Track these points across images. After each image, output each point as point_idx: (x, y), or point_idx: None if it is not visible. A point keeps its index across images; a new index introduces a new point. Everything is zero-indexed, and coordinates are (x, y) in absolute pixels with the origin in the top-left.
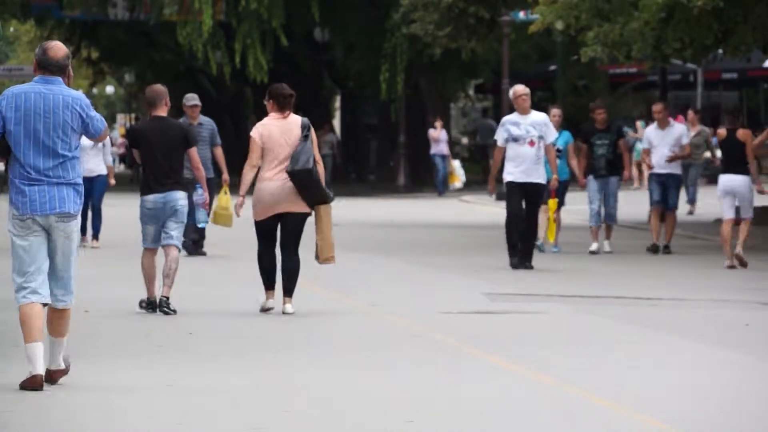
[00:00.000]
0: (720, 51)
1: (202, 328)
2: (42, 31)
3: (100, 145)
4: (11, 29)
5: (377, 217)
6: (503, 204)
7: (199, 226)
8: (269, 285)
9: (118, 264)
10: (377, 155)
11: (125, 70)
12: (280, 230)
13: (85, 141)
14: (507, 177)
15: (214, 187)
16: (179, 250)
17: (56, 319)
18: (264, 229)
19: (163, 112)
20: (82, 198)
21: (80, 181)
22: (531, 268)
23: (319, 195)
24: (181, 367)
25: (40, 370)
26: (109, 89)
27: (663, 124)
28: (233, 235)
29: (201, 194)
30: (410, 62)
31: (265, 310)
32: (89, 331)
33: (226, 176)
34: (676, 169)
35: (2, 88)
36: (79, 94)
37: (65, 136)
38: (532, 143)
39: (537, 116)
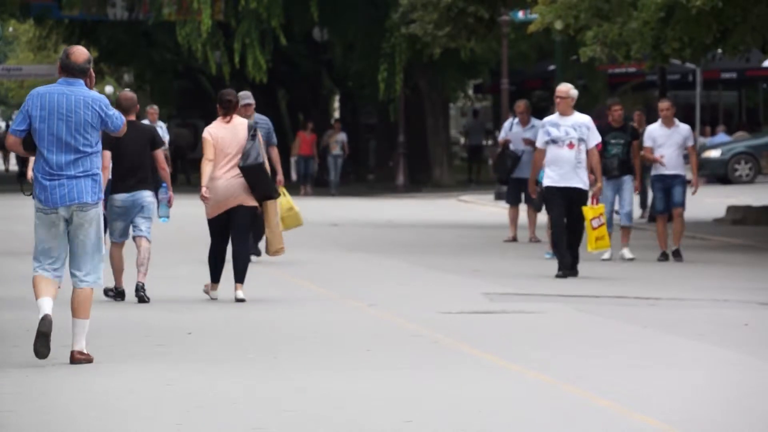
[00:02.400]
0: (719, 51)
1: (202, 328)
2: (41, 31)
3: None
4: (10, 29)
5: (377, 217)
6: (502, 204)
7: (161, 221)
8: (215, 279)
9: None
10: (376, 155)
11: (124, 69)
12: (231, 222)
13: None
14: (546, 181)
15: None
16: (149, 242)
17: (78, 300)
18: (216, 225)
19: (133, 116)
20: (101, 188)
21: (98, 171)
22: (576, 275)
23: (267, 190)
24: (181, 367)
25: (49, 311)
26: (108, 89)
27: (669, 123)
28: None
29: (165, 191)
30: (409, 62)
31: (211, 298)
32: (89, 330)
33: (280, 177)
34: (681, 169)
35: (1, 88)
36: (99, 95)
37: (86, 133)
38: (571, 145)
39: (579, 118)
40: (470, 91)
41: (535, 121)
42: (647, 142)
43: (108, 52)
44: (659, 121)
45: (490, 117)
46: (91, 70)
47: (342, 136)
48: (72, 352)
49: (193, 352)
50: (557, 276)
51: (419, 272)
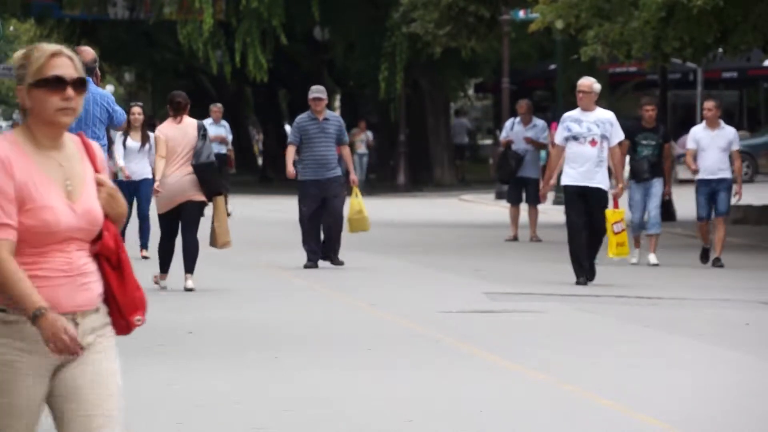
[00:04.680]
0: (720, 50)
1: (202, 328)
2: (42, 31)
3: (146, 147)
4: (11, 28)
5: (377, 216)
6: (503, 203)
7: None
8: (164, 269)
9: None
10: (377, 154)
11: (125, 69)
12: (181, 216)
13: (130, 143)
14: (564, 180)
15: (340, 187)
16: None
17: None
18: (166, 220)
19: None
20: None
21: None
22: (592, 278)
23: (217, 186)
24: (181, 367)
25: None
26: (110, 88)
27: (713, 124)
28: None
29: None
30: (410, 61)
31: (161, 287)
32: None
33: (354, 176)
34: (726, 172)
35: (2, 87)
36: (106, 92)
37: (95, 127)
38: (593, 143)
39: (601, 114)
40: (471, 91)
41: (536, 121)
42: (690, 145)
43: (109, 52)
44: (703, 123)
45: (490, 116)
46: (98, 68)
47: (367, 135)
48: None
49: (193, 352)
50: (577, 284)
51: (420, 271)
